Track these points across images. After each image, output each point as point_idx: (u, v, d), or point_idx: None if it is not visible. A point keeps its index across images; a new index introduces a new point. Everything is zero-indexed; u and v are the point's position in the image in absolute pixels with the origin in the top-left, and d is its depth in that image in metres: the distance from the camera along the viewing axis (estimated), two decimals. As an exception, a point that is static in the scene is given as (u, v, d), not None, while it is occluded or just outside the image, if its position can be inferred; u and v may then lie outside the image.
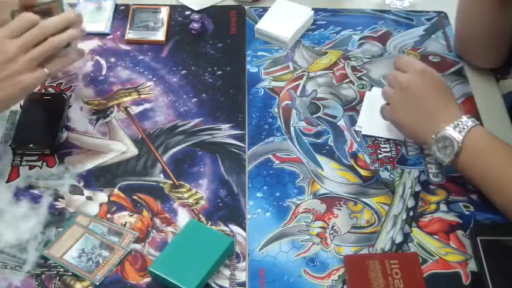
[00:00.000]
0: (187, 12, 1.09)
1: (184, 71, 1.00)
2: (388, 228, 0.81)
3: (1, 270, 0.76)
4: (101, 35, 1.05)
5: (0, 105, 0.80)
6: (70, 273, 0.76)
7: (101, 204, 0.83)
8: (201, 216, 0.82)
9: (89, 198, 0.83)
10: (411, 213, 0.83)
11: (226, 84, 0.98)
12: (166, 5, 1.09)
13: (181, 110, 0.94)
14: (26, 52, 0.76)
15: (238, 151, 0.89)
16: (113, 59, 1.01)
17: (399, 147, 0.90)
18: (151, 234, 0.80)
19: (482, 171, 0.78)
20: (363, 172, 0.87)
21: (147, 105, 0.95)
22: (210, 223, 0.81)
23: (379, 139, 0.91)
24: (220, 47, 1.04)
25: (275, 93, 0.97)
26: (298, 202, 0.83)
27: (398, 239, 0.80)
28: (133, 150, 0.89)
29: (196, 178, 0.86)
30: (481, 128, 0.80)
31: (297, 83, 0.99)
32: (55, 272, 0.76)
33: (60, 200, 0.83)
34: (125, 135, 0.91)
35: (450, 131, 0.78)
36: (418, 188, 0.85)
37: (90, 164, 0.87)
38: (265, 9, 1.09)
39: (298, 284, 0.76)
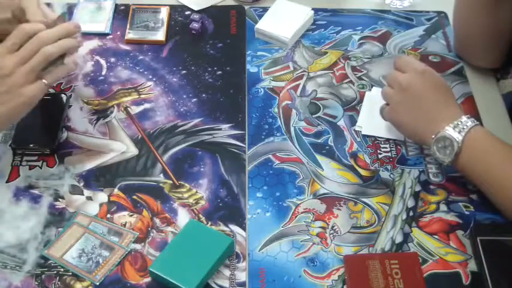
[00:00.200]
0: (187, 12, 1.09)
1: (184, 71, 1.00)
2: (388, 228, 0.81)
3: (1, 270, 0.76)
4: (101, 35, 1.05)
5: (4, 120, 0.80)
6: (70, 273, 0.76)
7: (101, 204, 0.83)
8: (201, 216, 0.82)
9: (89, 198, 0.84)
10: (411, 213, 0.83)
11: (226, 84, 0.98)
12: (166, 5, 1.09)
13: (181, 110, 0.94)
14: (23, 65, 0.76)
15: (238, 151, 0.89)
16: (113, 59, 1.01)
17: (399, 147, 0.90)
18: (151, 234, 0.80)
19: (482, 171, 0.78)
20: (363, 172, 0.87)
21: (147, 105, 0.95)
22: (210, 223, 0.81)
23: (379, 139, 0.91)
24: (220, 47, 1.04)
25: (275, 93, 0.97)
26: (298, 202, 0.83)
27: (398, 239, 0.80)
28: (133, 150, 0.89)
29: (196, 178, 0.86)
30: (481, 128, 0.80)
31: (297, 83, 0.99)
32: (55, 272, 0.76)
33: (60, 200, 0.83)
34: (125, 135, 0.91)
35: (450, 131, 0.78)
36: (418, 188, 0.85)
37: (90, 164, 0.87)
38: (265, 9, 1.09)
39: (298, 284, 0.76)
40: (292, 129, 0.92)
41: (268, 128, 0.92)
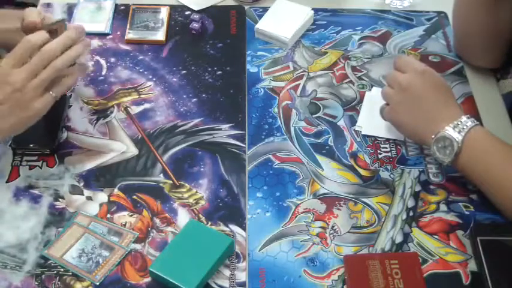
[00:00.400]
0: (187, 12, 1.09)
1: (184, 71, 1.00)
2: (388, 228, 0.81)
3: (1, 270, 0.76)
4: (101, 35, 1.05)
5: (10, 132, 0.81)
6: (70, 273, 0.76)
7: (101, 204, 0.83)
8: (201, 216, 0.82)
9: (89, 198, 0.84)
10: (411, 213, 0.83)
11: (226, 84, 0.98)
12: (166, 5, 1.09)
13: (181, 110, 0.94)
14: (31, 79, 0.77)
15: (238, 151, 0.89)
16: (113, 59, 1.01)
17: (399, 147, 0.90)
18: (151, 234, 0.80)
19: (482, 171, 0.78)
20: (363, 172, 0.87)
21: (147, 105, 0.95)
22: (210, 223, 0.81)
23: (379, 139, 0.91)
24: (220, 47, 1.04)
25: (275, 93, 0.97)
26: (298, 202, 0.83)
27: (398, 239, 0.80)
28: (133, 150, 0.89)
29: (196, 178, 0.86)
30: (481, 128, 0.80)
31: (297, 83, 0.99)
32: (55, 272, 0.76)
33: (60, 200, 0.83)
34: (125, 135, 0.91)
35: (450, 131, 0.78)
36: (418, 188, 0.85)
37: (90, 164, 0.87)
38: (265, 9, 1.09)
39: (298, 284, 0.76)
40: (292, 129, 0.92)
41: (268, 128, 0.92)
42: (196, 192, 0.84)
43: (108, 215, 0.82)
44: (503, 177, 0.77)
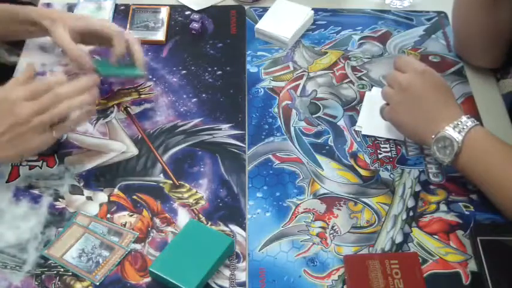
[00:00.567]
0: (187, 12, 1.09)
1: (184, 71, 1.00)
2: (388, 228, 0.81)
3: (1, 270, 0.76)
4: (101, 35, 1.05)
5: (6, 161, 0.82)
6: (70, 273, 0.76)
7: (101, 204, 0.83)
8: (201, 216, 0.82)
9: (89, 198, 0.84)
10: (411, 213, 0.83)
11: (226, 84, 0.98)
12: (166, 5, 1.09)
13: (181, 110, 0.95)
14: (37, 116, 0.77)
15: (238, 151, 0.89)
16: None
17: (399, 147, 0.90)
18: (151, 234, 0.80)
19: (482, 171, 0.78)
20: (363, 172, 0.87)
21: (147, 105, 0.95)
22: (210, 223, 0.81)
23: (379, 139, 0.91)
24: (220, 47, 1.04)
25: (275, 93, 0.97)
26: (298, 202, 0.83)
27: (398, 239, 0.80)
28: (133, 150, 0.89)
29: (196, 178, 0.86)
30: (481, 128, 0.80)
31: (297, 83, 0.99)
32: (55, 272, 0.76)
33: (60, 200, 0.83)
34: (125, 135, 0.91)
35: (450, 131, 0.78)
36: (418, 188, 0.85)
37: (90, 164, 0.87)
38: (265, 9, 1.09)
39: (298, 284, 0.76)
40: (292, 129, 0.92)
41: (268, 128, 0.92)
42: (196, 192, 0.84)
43: (108, 215, 0.82)
44: (503, 177, 0.77)
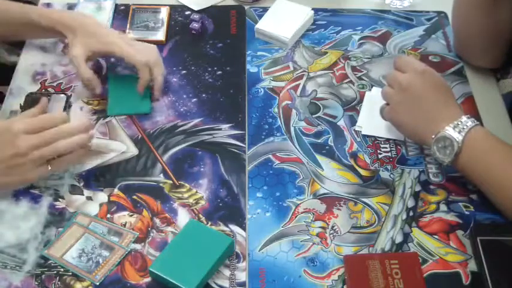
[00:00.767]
0: (187, 12, 1.09)
1: (184, 71, 1.00)
2: (388, 228, 0.81)
3: (1, 270, 0.76)
4: (101, 35, 1.05)
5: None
6: (70, 273, 0.76)
7: (101, 204, 0.83)
8: (201, 216, 0.82)
9: (89, 198, 0.84)
10: (411, 213, 0.83)
11: (226, 84, 0.98)
12: (166, 5, 1.09)
13: (181, 110, 0.94)
14: (36, 150, 0.79)
15: (238, 151, 0.89)
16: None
17: (399, 147, 0.90)
18: (151, 234, 0.80)
19: (482, 171, 0.78)
20: (363, 172, 0.87)
21: (147, 105, 0.95)
22: (210, 223, 0.81)
23: (379, 139, 0.91)
24: (220, 47, 1.04)
25: (275, 93, 0.97)
26: (298, 202, 0.83)
27: (398, 239, 0.80)
28: (133, 150, 0.89)
29: (196, 178, 0.86)
30: (481, 128, 0.80)
31: (297, 83, 0.99)
32: (55, 272, 0.76)
33: (60, 200, 0.83)
34: (125, 135, 0.91)
35: (450, 131, 0.78)
36: (418, 188, 0.85)
37: (90, 164, 0.87)
38: (265, 9, 1.09)
39: (298, 284, 0.76)
40: (292, 129, 0.92)
41: (268, 128, 0.92)
42: (196, 192, 0.84)
43: (108, 215, 0.82)
44: (503, 177, 0.77)
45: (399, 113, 0.84)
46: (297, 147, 0.90)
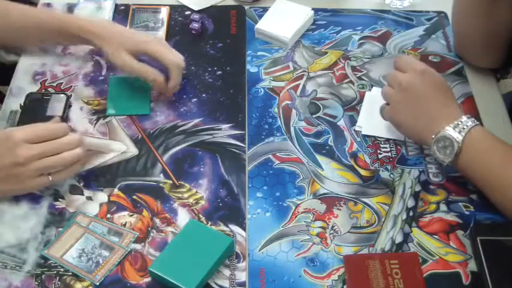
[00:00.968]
0: (187, 12, 1.09)
1: (184, 71, 1.00)
2: (388, 228, 0.81)
3: (1, 270, 0.76)
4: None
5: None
6: (70, 273, 0.76)
7: (101, 204, 0.83)
8: (201, 216, 0.82)
9: (89, 198, 0.84)
10: (411, 213, 0.83)
11: (226, 84, 0.98)
12: (166, 5, 1.09)
13: (181, 110, 0.94)
14: (36, 160, 0.79)
15: (238, 151, 0.89)
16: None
17: (399, 147, 0.90)
18: (151, 234, 0.80)
19: (482, 171, 0.78)
20: (363, 172, 0.87)
21: (147, 105, 0.95)
22: (210, 223, 0.81)
23: (379, 139, 0.91)
24: (220, 47, 1.04)
25: (275, 93, 0.97)
26: (298, 202, 0.83)
27: (398, 239, 0.80)
28: (133, 150, 0.89)
29: (196, 178, 0.86)
30: (481, 128, 0.80)
31: (297, 83, 0.99)
32: (55, 272, 0.76)
33: (60, 200, 0.83)
34: (125, 135, 0.91)
35: (450, 131, 0.78)
36: (418, 188, 0.85)
37: (90, 164, 0.87)
38: (265, 9, 1.09)
39: (298, 284, 0.76)
40: (292, 129, 0.92)
41: (268, 128, 0.92)
42: (196, 192, 0.84)
43: (108, 215, 0.82)
44: (503, 177, 0.77)
45: (399, 113, 0.84)
46: (297, 147, 0.90)
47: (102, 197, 0.84)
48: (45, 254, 0.77)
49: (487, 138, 0.79)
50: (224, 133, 0.91)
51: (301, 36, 1.06)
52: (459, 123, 0.78)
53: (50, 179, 0.81)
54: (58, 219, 0.81)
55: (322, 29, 1.08)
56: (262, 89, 0.98)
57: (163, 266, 0.74)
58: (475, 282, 0.76)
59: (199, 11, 1.09)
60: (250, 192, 0.85)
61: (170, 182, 0.85)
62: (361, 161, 0.88)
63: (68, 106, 0.93)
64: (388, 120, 0.87)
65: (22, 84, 0.97)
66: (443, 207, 0.83)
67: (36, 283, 0.75)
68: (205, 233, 0.78)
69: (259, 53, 1.03)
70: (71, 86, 0.97)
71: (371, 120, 0.92)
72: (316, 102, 0.96)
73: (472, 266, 0.77)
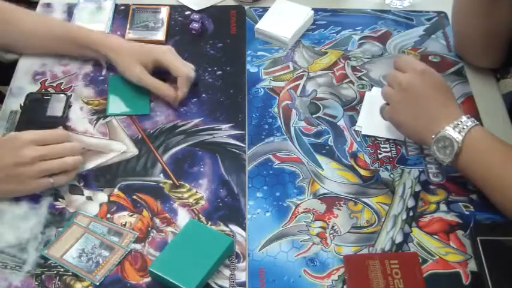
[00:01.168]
0: (187, 12, 1.09)
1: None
2: (388, 228, 0.81)
3: (1, 270, 0.76)
4: (101, 35, 1.05)
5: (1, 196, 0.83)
6: (70, 273, 0.76)
7: (101, 204, 0.83)
8: (201, 216, 0.82)
9: (89, 198, 0.84)
10: (411, 213, 0.83)
11: (226, 84, 0.98)
12: (166, 5, 1.09)
13: (181, 110, 0.94)
14: (39, 162, 0.80)
15: (238, 151, 0.89)
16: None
17: (399, 147, 0.90)
18: (151, 234, 0.80)
19: (482, 171, 0.78)
20: (363, 172, 0.87)
21: (147, 105, 0.95)
22: (210, 223, 0.81)
23: (379, 139, 0.91)
24: (220, 47, 1.04)
25: (275, 93, 0.97)
26: (298, 202, 0.83)
27: (398, 239, 0.80)
28: (133, 150, 0.89)
29: (196, 178, 0.86)
30: (481, 128, 0.80)
31: (297, 83, 0.99)
32: (55, 272, 0.76)
33: (60, 200, 0.83)
34: (125, 135, 0.91)
35: (450, 131, 0.78)
36: (418, 188, 0.85)
37: (90, 164, 0.87)
38: (265, 9, 1.09)
39: (298, 284, 0.76)
40: (292, 129, 0.92)
41: (268, 128, 0.92)
42: (196, 192, 0.84)
43: (108, 215, 0.82)
44: (503, 177, 0.77)
45: (399, 113, 0.84)
46: (297, 147, 0.90)
47: (102, 197, 0.84)
48: (45, 254, 0.77)
49: (487, 138, 0.79)
50: (224, 133, 0.92)
51: (301, 36, 1.06)
52: (459, 123, 0.78)
53: (52, 181, 0.81)
54: (58, 219, 0.81)
55: (322, 29, 1.08)
56: (262, 89, 0.98)
57: (163, 266, 0.74)
58: (475, 282, 0.76)
59: (199, 11, 1.09)
60: (250, 192, 0.85)
61: (170, 182, 0.85)
62: (361, 161, 0.88)
63: (68, 106, 0.93)
64: (388, 120, 0.87)
65: (22, 84, 0.97)
66: (443, 207, 0.83)
67: (36, 283, 0.75)
68: (205, 233, 0.78)
69: (259, 53, 1.03)
70: (71, 86, 0.97)
71: (371, 120, 0.92)
72: (316, 102, 0.96)
73: (472, 266, 0.77)
